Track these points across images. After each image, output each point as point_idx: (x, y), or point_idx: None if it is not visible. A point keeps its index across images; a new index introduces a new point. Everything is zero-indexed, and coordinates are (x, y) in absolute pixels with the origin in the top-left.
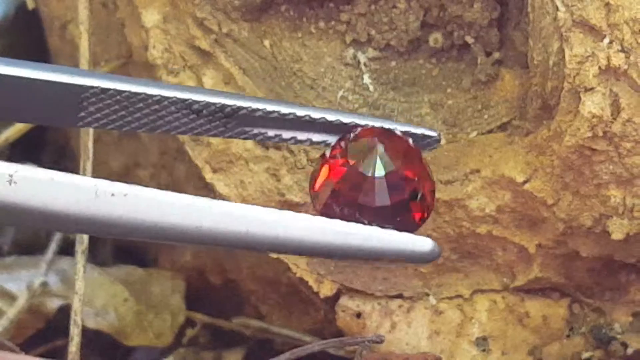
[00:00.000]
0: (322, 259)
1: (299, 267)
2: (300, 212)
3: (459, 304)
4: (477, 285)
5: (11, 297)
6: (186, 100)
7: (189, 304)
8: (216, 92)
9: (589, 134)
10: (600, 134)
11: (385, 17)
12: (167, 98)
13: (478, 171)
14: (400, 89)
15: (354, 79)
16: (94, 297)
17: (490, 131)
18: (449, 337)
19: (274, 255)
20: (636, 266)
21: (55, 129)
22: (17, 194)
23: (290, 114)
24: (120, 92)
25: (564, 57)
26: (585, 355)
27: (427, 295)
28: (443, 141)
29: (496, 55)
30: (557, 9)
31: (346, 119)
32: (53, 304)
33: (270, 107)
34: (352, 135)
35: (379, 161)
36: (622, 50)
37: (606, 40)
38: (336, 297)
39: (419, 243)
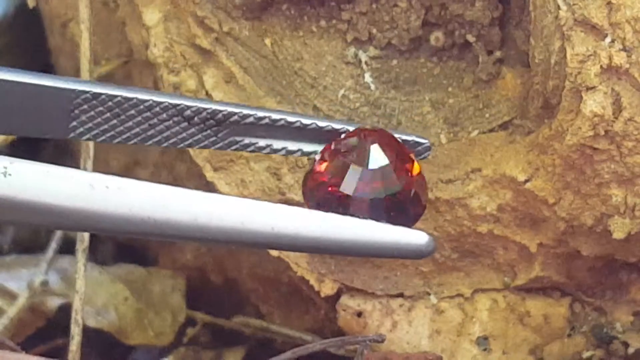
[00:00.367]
0: (323, 257)
1: (300, 266)
2: None
3: (459, 303)
4: (478, 284)
5: (12, 296)
6: (178, 105)
7: (189, 303)
8: (207, 100)
9: (591, 133)
10: (602, 133)
11: (387, 16)
12: (158, 103)
13: (479, 170)
14: (402, 88)
15: (355, 77)
16: (94, 295)
17: (491, 130)
18: (449, 336)
19: (275, 254)
20: (637, 265)
21: None
22: (12, 187)
23: (281, 119)
24: (111, 97)
25: (565, 56)
26: (586, 354)
27: (428, 294)
28: (444, 140)
29: (497, 54)
30: (559, 7)
31: (337, 125)
32: (53, 302)
33: (260, 114)
34: (343, 135)
35: (372, 154)
36: (624, 49)
37: (608, 39)
38: (337, 296)
39: (414, 236)
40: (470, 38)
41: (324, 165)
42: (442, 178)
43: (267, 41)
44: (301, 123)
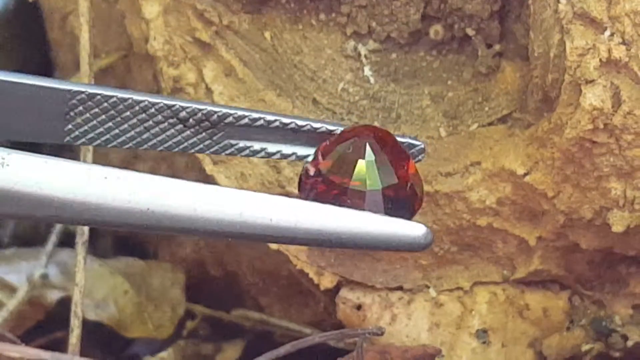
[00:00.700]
0: (322, 251)
1: (299, 259)
2: None
3: (459, 296)
4: (477, 277)
5: (11, 289)
6: (172, 106)
7: (188, 296)
8: (203, 102)
9: (590, 127)
10: (601, 126)
11: (386, 9)
12: (153, 104)
13: (478, 163)
14: (401, 81)
15: (354, 71)
16: (94, 289)
17: (490, 123)
18: (449, 329)
19: (274, 247)
20: (636, 259)
21: None
22: (9, 178)
23: (275, 120)
24: (107, 97)
25: (564, 49)
26: (585, 347)
27: (427, 287)
28: (444, 133)
29: (497, 47)
30: (558, 1)
31: (332, 126)
32: (53, 295)
33: (255, 115)
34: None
35: (368, 147)
36: (623, 43)
37: (607, 33)
38: (336, 289)
39: (412, 228)
40: (470, 31)
41: (320, 160)
42: (442, 171)
43: (267, 34)
44: (296, 124)
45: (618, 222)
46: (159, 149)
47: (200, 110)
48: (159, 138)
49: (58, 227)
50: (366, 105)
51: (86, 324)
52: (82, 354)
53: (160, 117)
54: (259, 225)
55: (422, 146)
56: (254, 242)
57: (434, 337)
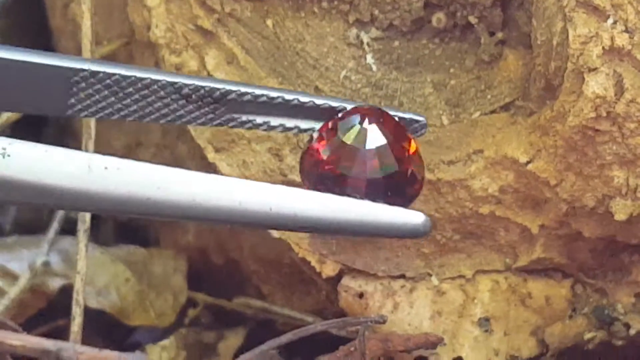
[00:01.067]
0: (324, 239)
1: (301, 247)
2: None
3: (461, 284)
4: (479, 265)
5: (13, 277)
6: (175, 83)
7: (190, 284)
8: (205, 78)
9: (593, 115)
10: (604, 114)
11: None
12: (156, 81)
13: (481, 151)
14: (403, 69)
15: (357, 58)
16: (95, 276)
17: (493, 111)
18: (451, 317)
19: (276, 235)
20: (639, 247)
21: None
22: (11, 168)
23: (278, 97)
24: (110, 75)
25: (567, 37)
26: (588, 335)
27: (430, 275)
28: (446, 121)
29: (499, 35)
30: None
31: (334, 103)
32: (55, 283)
33: (258, 91)
34: (340, 114)
35: (369, 134)
36: (626, 31)
37: (610, 21)
38: (338, 277)
39: (411, 216)
40: (472, 19)
41: (321, 144)
42: (444, 159)
43: (269, 22)
44: (298, 101)
45: (621, 210)
46: (162, 122)
47: (202, 87)
48: (162, 112)
49: (60, 214)
50: (368, 93)
51: (88, 311)
52: (83, 342)
53: (162, 93)
54: (258, 213)
55: (424, 121)
56: (253, 229)
57: (436, 326)
